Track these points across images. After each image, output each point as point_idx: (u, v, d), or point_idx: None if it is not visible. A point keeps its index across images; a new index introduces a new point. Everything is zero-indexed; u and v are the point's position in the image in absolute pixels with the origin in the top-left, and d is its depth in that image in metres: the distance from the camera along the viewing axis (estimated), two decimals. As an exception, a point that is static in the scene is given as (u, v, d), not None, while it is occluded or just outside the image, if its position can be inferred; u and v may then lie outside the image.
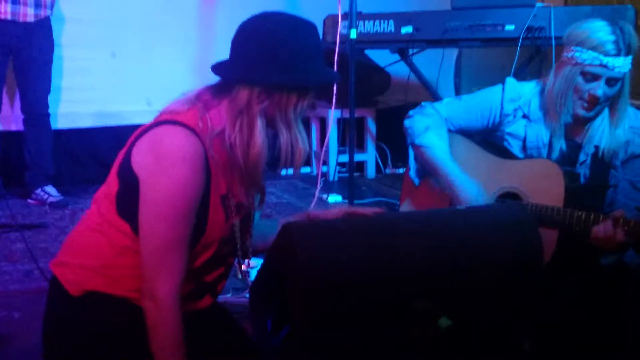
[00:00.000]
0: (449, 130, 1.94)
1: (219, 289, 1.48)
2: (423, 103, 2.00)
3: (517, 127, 1.86)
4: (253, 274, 2.24)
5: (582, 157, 1.80)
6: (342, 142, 3.79)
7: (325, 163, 3.93)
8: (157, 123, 1.30)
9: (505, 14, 2.90)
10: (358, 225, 1.40)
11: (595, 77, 1.70)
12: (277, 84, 1.29)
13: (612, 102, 1.75)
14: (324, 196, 3.50)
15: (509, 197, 1.84)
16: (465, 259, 1.37)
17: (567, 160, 1.82)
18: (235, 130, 1.31)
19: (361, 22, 3.01)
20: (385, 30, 3.04)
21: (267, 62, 1.28)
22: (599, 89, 1.69)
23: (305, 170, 4.21)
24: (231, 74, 1.32)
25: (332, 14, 2.95)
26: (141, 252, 1.29)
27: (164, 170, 1.26)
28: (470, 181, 1.82)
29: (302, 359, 1.31)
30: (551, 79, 1.78)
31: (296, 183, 3.93)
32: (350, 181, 2.85)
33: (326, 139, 3.30)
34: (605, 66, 1.67)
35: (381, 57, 3.79)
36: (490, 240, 1.40)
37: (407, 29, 3.01)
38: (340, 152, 3.83)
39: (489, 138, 1.93)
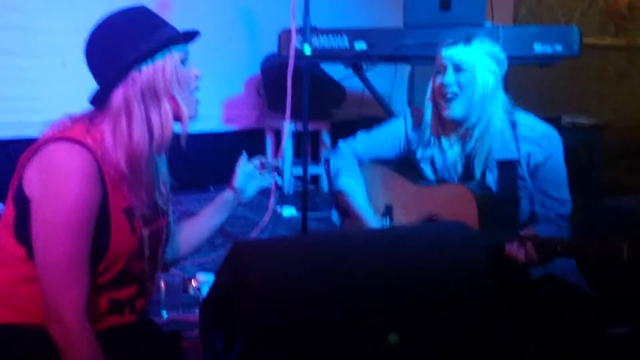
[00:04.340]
0: (366, 162, 2.04)
1: (137, 306, 1.44)
2: (338, 141, 2.11)
3: (425, 152, 1.94)
4: (204, 290, 2.23)
5: (478, 173, 1.87)
6: (297, 154, 3.80)
7: (280, 175, 3.93)
8: (44, 142, 1.27)
9: (456, 32, 2.94)
10: (308, 244, 1.41)
11: (443, 68, 1.84)
12: (131, 61, 1.28)
13: (475, 104, 1.82)
14: (278, 209, 3.50)
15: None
16: (415, 276, 1.39)
17: (470, 172, 1.90)
18: (116, 133, 1.29)
19: (315, 37, 3.04)
20: (340, 46, 3.07)
21: (115, 55, 1.29)
22: (445, 77, 1.82)
23: (260, 182, 4.20)
24: (96, 91, 1.31)
25: (287, 29, 2.97)
26: (40, 275, 1.25)
27: (53, 186, 1.23)
28: (382, 223, 1.93)
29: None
30: None
31: (250, 195, 3.91)
32: (304, 194, 2.86)
33: (280, 151, 3.30)
34: (445, 57, 1.84)
35: (336, 70, 3.83)
36: (439, 258, 1.43)
37: (360, 45, 3.04)
38: (294, 165, 3.84)
39: (407, 164, 2.02)
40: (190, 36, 1.37)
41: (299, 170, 3.50)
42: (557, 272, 1.82)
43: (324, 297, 1.30)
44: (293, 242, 1.44)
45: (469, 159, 1.89)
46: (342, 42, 3.06)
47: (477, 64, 1.81)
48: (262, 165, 1.65)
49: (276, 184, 3.66)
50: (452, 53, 1.82)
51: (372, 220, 1.96)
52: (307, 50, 2.69)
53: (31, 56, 3.43)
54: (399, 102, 4.01)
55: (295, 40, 2.80)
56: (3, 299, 1.30)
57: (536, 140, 1.85)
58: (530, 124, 1.88)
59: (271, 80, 3.88)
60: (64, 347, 1.24)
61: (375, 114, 3.67)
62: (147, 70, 1.29)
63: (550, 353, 1.68)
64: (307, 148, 2.93)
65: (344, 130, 3.94)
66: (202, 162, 3.98)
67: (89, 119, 1.32)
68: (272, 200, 3.19)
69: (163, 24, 1.34)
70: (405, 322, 1.36)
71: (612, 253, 1.54)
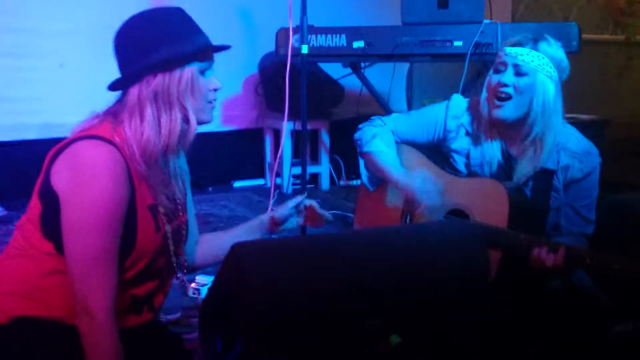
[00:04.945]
0: (397, 142, 1.99)
1: (155, 303, 1.46)
2: (373, 117, 2.05)
3: (460, 143, 1.90)
4: (204, 292, 2.22)
5: (522, 179, 1.82)
6: (296, 154, 3.79)
7: (279, 175, 3.92)
8: (72, 140, 1.29)
9: (454, 30, 2.96)
10: (308, 245, 1.40)
11: (503, 66, 1.78)
12: (147, 66, 1.30)
13: (534, 112, 1.77)
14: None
15: (456, 214, 1.87)
16: (415, 276, 1.38)
17: (505, 174, 1.85)
18: (132, 129, 1.31)
19: (313, 36, 3.03)
20: (337, 44, 3.06)
21: (135, 53, 1.31)
22: (504, 76, 1.76)
23: (259, 182, 4.20)
24: (115, 80, 1.34)
25: (284, 27, 2.96)
26: (69, 270, 1.27)
27: (83, 183, 1.25)
28: (414, 175, 1.88)
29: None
30: None
31: (250, 196, 3.91)
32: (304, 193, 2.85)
33: (279, 150, 3.29)
34: (508, 54, 1.77)
35: (334, 69, 3.81)
36: (439, 258, 1.42)
37: (358, 44, 3.03)
38: (294, 164, 3.83)
39: (437, 151, 1.97)
40: (216, 50, 1.38)
41: (298, 170, 3.49)
42: (575, 280, 1.78)
43: (324, 298, 1.29)
44: (292, 243, 1.43)
45: (510, 163, 1.84)
46: (340, 40, 3.05)
47: (539, 69, 1.75)
48: (312, 210, 1.66)
49: (275, 183, 3.66)
50: (516, 53, 1.76)
51: (405, 177, 1.89)
52: (305, 49, 2.68)
53: (27, 57, 3.41)
54: (398, 100, 4.00)
55: (292, 39, 2.79)
56: (29, 292, 1.32)
57: (578, 155, 1.80)
58: (575, 138, 1.84)
59: (269, 80, 3.86)
60: (91, 340, 1.26)
61: (374, 112, 3.65)
62: (162, 77, 1.31)
63: (559, 355, 1.67)
64: (306, 147, 2.92)
65: (343, 129, 3.94)
66: (201, 162, 3.97)
67: (113, 115, 1.34)
68: (271, 200, 3.19)
69: (194, 32, 1.35)
70: (405, 322, 1.35)
71: None
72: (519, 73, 1.76)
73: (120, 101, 1.36)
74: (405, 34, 2.98)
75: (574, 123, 1.94)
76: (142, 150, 1.32)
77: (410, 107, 4.09)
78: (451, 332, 1.43)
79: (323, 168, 4.08)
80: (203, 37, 1.37)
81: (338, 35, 3.05)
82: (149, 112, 1.31)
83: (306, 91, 2.73)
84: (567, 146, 1.81)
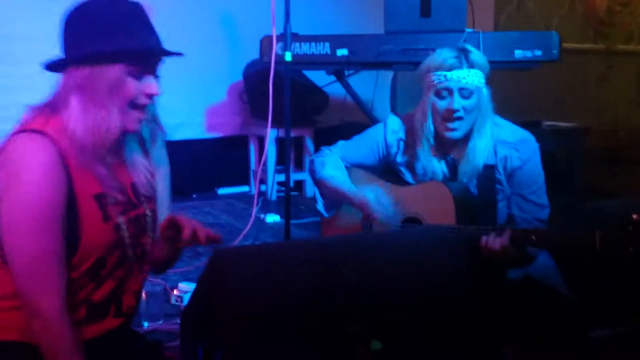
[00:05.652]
0: (347, 166, 2.05)
1: (124, 307, 1.39)
2: (321, 147, 2.12)
3: (405, 157, 1.96)
4: (187, 299, 2.21)
5: (464, 178, 1.88)
6: (280, 160, 3.80)
7: (263, 182, 3.93)
8: (5, 139, 1.26)
9: (436, 38, 2.98)
10: (290, 251, 1.41)
11: (448, 93, 1.82)
12: (72, 57, 1.26)
13: (476, 122, 1.84)
14: (262, 216, 3.49)
15: (411, 222, 1.92)
16: (396, 282, 1.39)
17: (451, 178, 1.91)
18: (64, 120, 1.25)
19: (297, 44, 3.04)
20: (321, 52, 3.08)
21: (68, 43, 1.27)
22: (454, 102, 1.81)
23: (244, 189, 4.19)
24: (49, 62, 1.29)
25: (268, 35, 2.97)
26: (13, 273, 1.23)
27: (16, 181, 1.21)
28: (366, 190, 1.93)
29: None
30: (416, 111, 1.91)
31: (234, 203, 3.91)
32: (287, 200, 2.86)
33: (263, 157, 3.30)
34: (450, 80, 1.81)
35: (319, 76, 3.83)
36: (418, 263, 1.43)
37: (342, 52, 3.05)
38: (278, 171, 3.84)
39: (387, 169, 2.03)
40: (158, 53, 1.30)
41: (282, 177, 3.50)
42: (535, 274, 1.83)
43: (306, 304, 1.30)
44: (274, 248, 1.44)
45: (454, 165, 1.90)
46: (324, 48, 3.07)
47: (478, 85, 1.82)
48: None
49: (259, 190, 3.66)
50: (459, 77, 1.80)
51: (358, 193, 1.93)
52: (288, 57, 2.69)
53: (10, 63, 3.40)
54: (382, 108, 4.02)
55: (276, 47, 2.80)
56: None
57: (513, 144, 1.87)
58: (508, 129, 1.90)
59: (254, 87, 3.87)
60: (47, 341, 1.22)
61: (358, 120, 3.68)
62: (84, 70, 1.24)
63: (527, 356, 1.70)
64: (289, 154, 2.93)
65: (327, 136, 3.95)
66: (185, 169, 3.97)
67: (49, 106, 1.28)
68: (255, 207, 3.19)
69: (135, 30, 1.26)
70: (386, 328, 1.36)
71: (584, 241, 1.56)
72: (464, 96, 1.82)
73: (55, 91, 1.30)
74: (388, 42, 3.00)
75: (554, 130, 1.98)
76: (72, 140, 1.25)
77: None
78: (432, 336, 1.44)
79: (307, 175, 4.09)
80: (145, 38, 1.27)
81: (322, 43, 3.07)
82: (74, 103, 1.24)
83: (290, 98, 2.74)
84: (501, 138, 1.87)
